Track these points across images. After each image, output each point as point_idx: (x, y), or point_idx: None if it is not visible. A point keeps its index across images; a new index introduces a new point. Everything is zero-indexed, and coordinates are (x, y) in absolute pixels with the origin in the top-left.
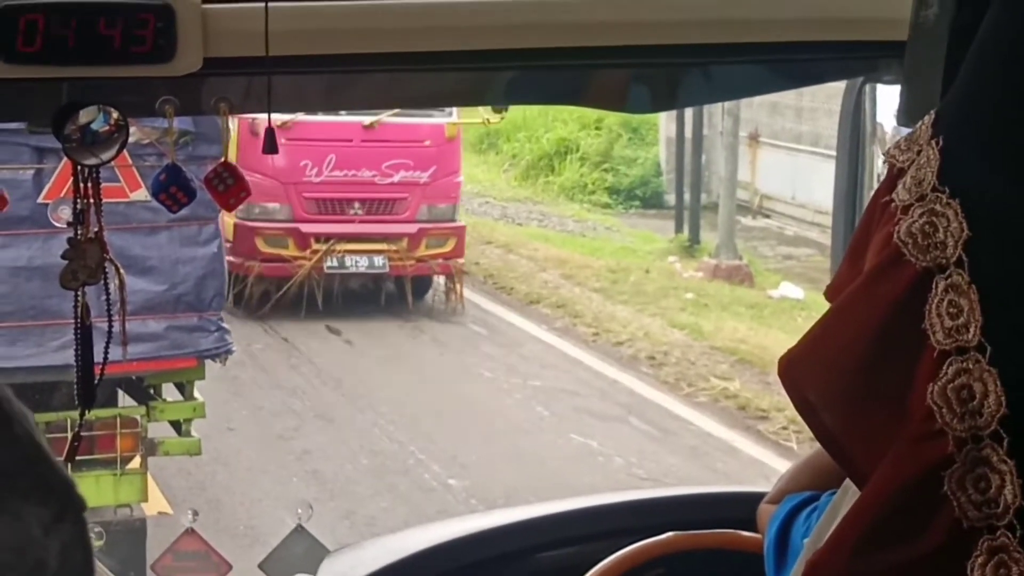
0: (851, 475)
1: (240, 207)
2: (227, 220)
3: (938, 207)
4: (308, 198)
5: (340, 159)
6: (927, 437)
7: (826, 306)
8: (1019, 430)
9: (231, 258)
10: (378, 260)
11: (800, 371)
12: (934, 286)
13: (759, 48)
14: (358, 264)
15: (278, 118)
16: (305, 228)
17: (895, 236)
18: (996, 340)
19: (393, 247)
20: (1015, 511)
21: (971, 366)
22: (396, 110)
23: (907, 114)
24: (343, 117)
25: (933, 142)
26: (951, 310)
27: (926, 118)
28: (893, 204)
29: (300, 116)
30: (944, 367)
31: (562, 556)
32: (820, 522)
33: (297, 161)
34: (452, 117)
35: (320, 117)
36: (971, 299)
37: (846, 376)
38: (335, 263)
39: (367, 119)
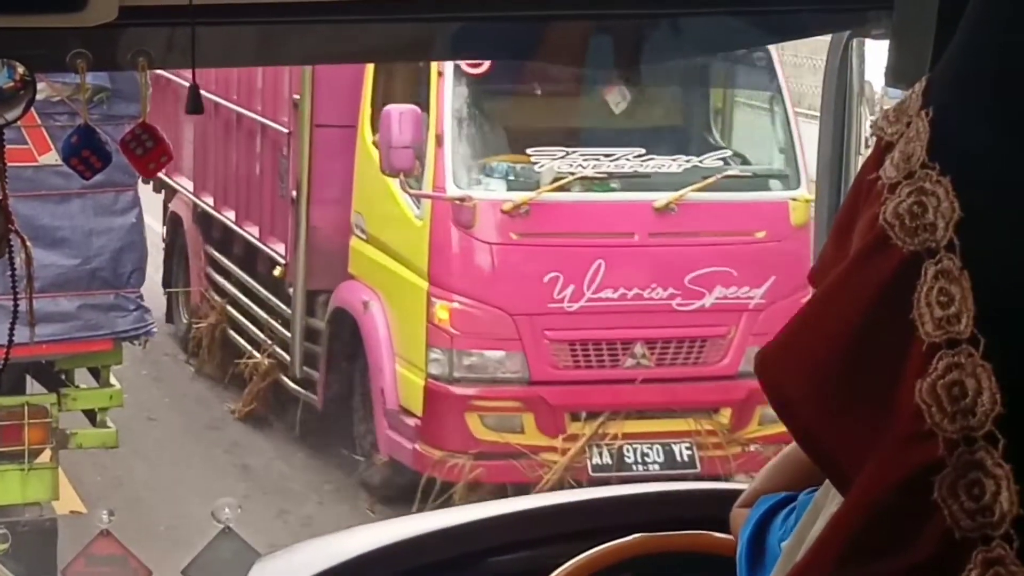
0: (833, 479)
1: (438, 352)
2: (411, 377)
3: (927, 185)
4: (557, 340)
5: (613, 267)
6: (915, 438)
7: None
8: (1016, 431)
9: (421, 447)
10: (682, 450)
11: (778, 366)
12: (923, 272)
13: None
14: (646, 460)
15: (509, 196)
16: (553, 396)
17: (880, 218)
18: (991, 332)
19: (706, 425)
20: (1012, 520)
21: (963, 360)
22: (704, 181)
23: (895, 73)
24: (617, 195)
25: (923, 113)
26: (941, 299)
27: (916, 86)
28: (880, 182)
29: (546, 193)
30: (934, 362)
31: (518, 560)
32: (800, 524)
33: (539, 273)
34: (800, 188)
35: (580, 195)
36: (963, 286)
37: (828, 371)
38: (606, 459)
39: (658, 197)
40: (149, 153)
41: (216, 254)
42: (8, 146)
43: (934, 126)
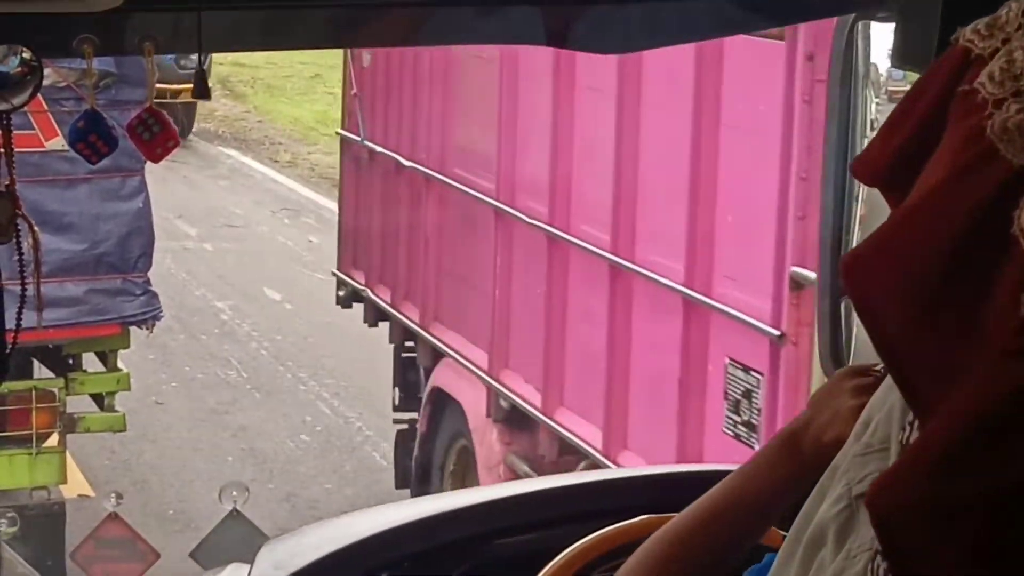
0: (910, 394)
1: None
2: None
3: None
4: None
5: None
6: (1016, 355)
7: None
8: None
9: None
10: None
11: (866, 271)
12: None
13: None
14: None
15: None
16: None
17: (988, 130)
18: None
19: None
20: None
21: None
22: None
23: (902, 55)
24: None
25: None
26: None
27: (1013, 4)
28: (980, 96)
29: None
30: None
31: (523, 543)
32: (806, 504)
33: None
34: None
35: None
36: None
37: (921, 282)
38: None
39: None
40: (156, 138)
41: None
42: (15, 131)
43: None
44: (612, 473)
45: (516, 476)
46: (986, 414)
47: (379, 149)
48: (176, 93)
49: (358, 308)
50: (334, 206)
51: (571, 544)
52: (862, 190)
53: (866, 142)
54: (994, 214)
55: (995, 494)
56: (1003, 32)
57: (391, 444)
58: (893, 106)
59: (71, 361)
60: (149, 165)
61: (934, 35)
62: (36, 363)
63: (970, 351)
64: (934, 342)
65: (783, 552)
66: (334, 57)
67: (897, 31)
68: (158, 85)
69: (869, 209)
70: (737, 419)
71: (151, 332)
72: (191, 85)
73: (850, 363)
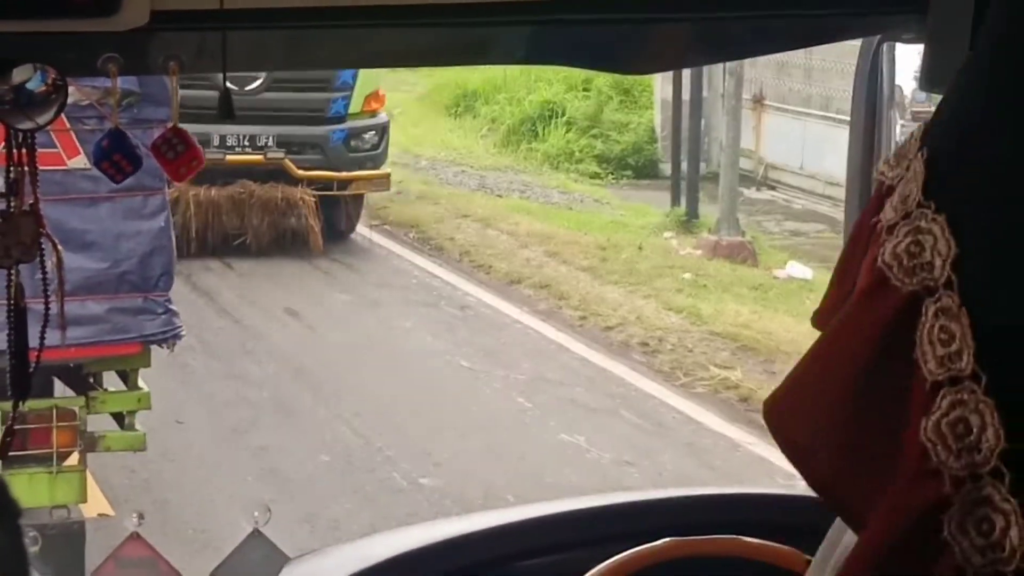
0: (849, 522)
1: None
2: None
3: (923, 224)
4: None
5: None
6: (922, 477)
7: None
8: (1021, 465)
9: None
10: None
11: (786, 412)
12: (924, 311)
13: (768, 2)
14: None
15: None
16: None
17: (879, 259)
18: (991, 367)
19: None
20: (1023, 555)
21: (966, 397)
22: None
23: (929, 77)
24: None
25: (920, 154)
26: (942, 336)
27: (915, 130)
28: (879, 225)
29: None
30: (937, 400)
31: (547, 564)
32: (831, 530)
33: None
34: None
35: None
36: (962, 323)
37: (835, 414)
38: None
39: None
40: (180, 157)
41: None
42: (38, 150)
43: (929, 166)
44: (635, 495)
45: None
46: (898, 536)
47: None
48: (345, 182)
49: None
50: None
51: (594, 566)
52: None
53: None
54: (895, 341)
55: None
56: (906, 159)
57: (411, 464)
58: (916, 127)
59: (92, 380)
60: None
61: (962, 57)
62: (57, 382)
63: (891, 475)
64: (859, 472)
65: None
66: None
67: (925, 53)
68: (321, 172)
69: None
70: None
71: (172, 351)
72: (367, 172)
73: None
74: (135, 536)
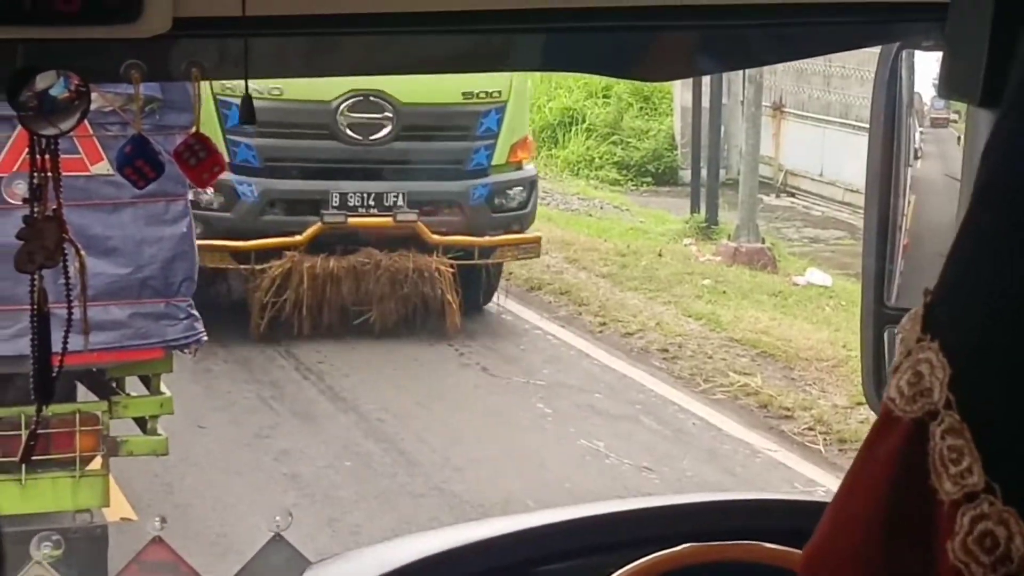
0: None
1: None
2: None
3: (921, 355)
4: None
5: None
6: None
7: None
8: None
9: None
10: None
11: (821, 566)
12: (931, 435)
13: (786, 9)
14: None
15: None
16: None
17: (884, 397)
18: (1003, 477)
19: None
20: None
21: (986, 510)
22: None
23: (949, 85)
24: None
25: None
26: (952, 455)
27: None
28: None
29: None
30: (959, 519)
31: (565, 570)
32: None
33: None
34: None
35: None
36: (967, 438)
37: (869, 559)
38: None
39: None
40: (202, 163)
41: None
42: (61, 156)
43: (927, 306)
44: (656, 500)
45: None
46: None
47: None
48: (488, 248)
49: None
50: None
51: (612, 572)
52: (905, 220)
53: (910, 172)
54: (908, 471)
55: None
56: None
57: (433, 469)
58: (936, 131)
59: (115, 384)
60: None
61: (982, 64)
62: (80, 387)
63: None
64: None
65: None
66: None
67: (944, 60)
68: (460, 237)
69: (912, 239)
70: None
71: (194, 356)
72: (514, 236)
73: None
74: (157, 540)
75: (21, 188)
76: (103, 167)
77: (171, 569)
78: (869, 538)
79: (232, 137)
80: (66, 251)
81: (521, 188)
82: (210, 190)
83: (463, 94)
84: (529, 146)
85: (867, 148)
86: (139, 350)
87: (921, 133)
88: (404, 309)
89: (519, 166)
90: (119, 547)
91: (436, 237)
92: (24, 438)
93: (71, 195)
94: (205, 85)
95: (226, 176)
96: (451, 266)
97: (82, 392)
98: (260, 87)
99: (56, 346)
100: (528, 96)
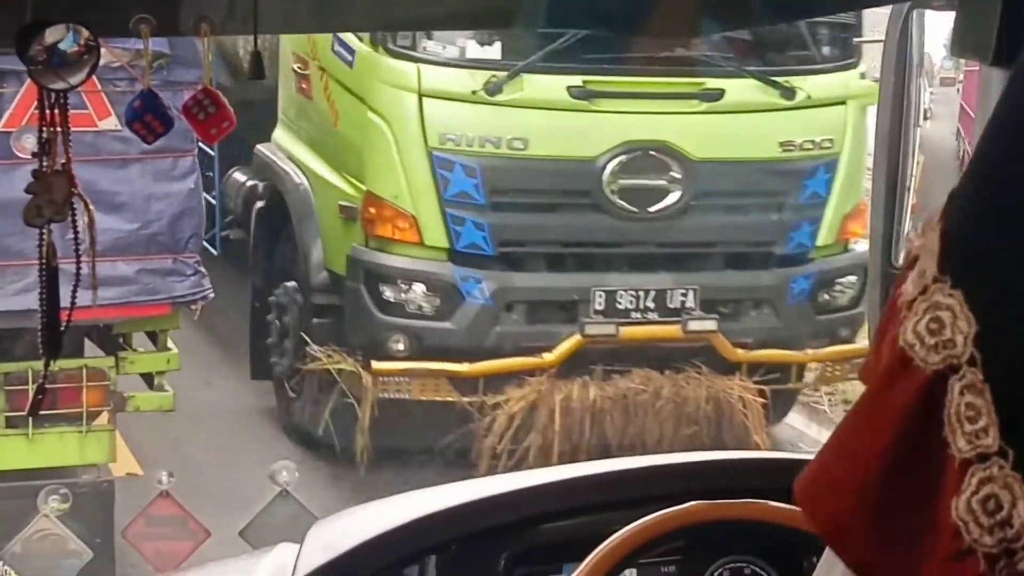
0: None
1: None
2: None
3: (940, 299)
4: None
5: None
6: (957, 556)
7: None
8: None
9: None
10: None
11: (819, 493)
12: (949, 389)
13: None
14: None
15: None
16: None
17: (900, 338)
18: (1018, 443)
19: None
20: None
21: (995, 473)
22: None
23: (961, 44)
24: None
25: (939, 225)
26: (969, 414)
27: (946, 199)
28: (900, 299)
29: None
30: (967, 477)
31: (572, 527)
32: None
33: None
34: None
35: None
36: (987, 399)
37: (867, 496)
38: None
39: None
40: (211, 118)
41: None
42: (70, 111)
43: (944, 239)
44: (660, 459)
45: None
46: None
47: None
48: (803, 364)
49: None
50: None
51: (619, 529)
52: (914, 180)
53: (919, 133)
54: (922, 421)
55: None
56: (931, 227)
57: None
58: (944, 92)
59: (121, 340)
60: None
61: (994, 23)
62: (87, 342)
63: (926, 554)
64: (895, 553)
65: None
66: None
67: (957, 20)
68: (774, 352)
69: (921, 199)
70: None
71: (199, 312)
72: (843, 349)
73: None
74: (165, 494)
75: (30, 142)
76: (111, 122)
77: (178, 523)
78: (869, 476)
79: (454, 211)
80: (74, 206)
81: (854, 278)
82: (419, 288)
83: (781, 144)
84: (862, 213)
85: (876, 108)
86: (146, 306)
87: (931, 93)
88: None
89: (846, 246)
90: (124, 501)
91: (740, 352)
92: (31, 393)
93: (79, 150)
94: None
95: (444, 269)
96: (760, 392)
97: (89, 348)
98: (495, 137)
99: (64, 301)
100: (866, 142)
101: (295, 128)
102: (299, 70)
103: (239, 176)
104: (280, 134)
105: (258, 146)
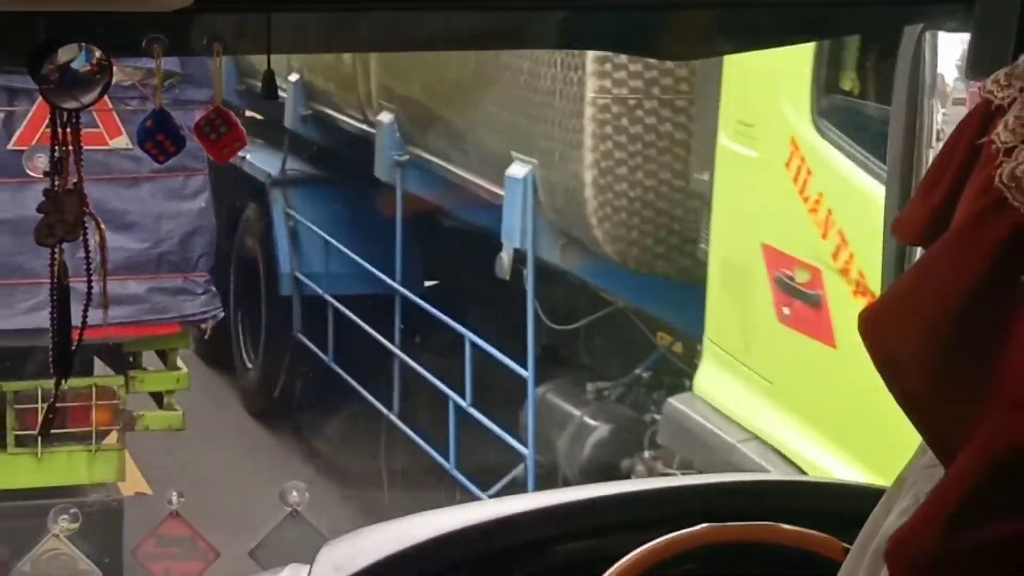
0: (934, 444)
1: None
2: None
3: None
4: None
5: None
6: (1020, 408)
7: None
8: None
9: None
10: None
11: (886, 327)
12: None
13: None
14: None
15: None
16: None
17: (997, 179)
18: None
19: None
20: None
21: None
22: None
23: (976, 65)
24: None
25: None
26: None
27: None
28: (994, 146)
29: None
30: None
31: (584, 548)
32: (870, 518)
33: None
34: None
35: None
36: None
37: (937, 334)
38: None
39: None
40: (223, 138)
41: None
42: (81, 129)
43: None
44: (671, 481)
45: None
46: (998, 464)
47: None
48: None
49: None
50: None
51: (629, 551)
52: None
53: (931, 153)
54: (1005, 263)
55: (1012, 542)
56: (1020, 81)
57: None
58: (958, 112)
59: (131, 359)
60: None
61: (1010, 45)
62: (97, 361)
63: (987, 401)
64: (954, 394)
65: (848, 564)
66: None
67: (972, 42)
68: None
69: None
70: None
71: (208, 332)
72: None
73: None
74: (175, 514)
75: (42, 161)
76: (122, 141)
77: (188, 544)
78: (942, 315)
79: None
80: (86, 225)
81: None
82: None
83: None
84: None
85: (889, 130)
86: (156, 325)
87: (943, 114)
88: None
89: None
90: (133, 521)
91: None
92: (41, 412)
93: (90, 169)
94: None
95: None
96: None
97: (99, 366)
98: None
99: (75, 320)
100: None
101: None
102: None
103: None
104: None
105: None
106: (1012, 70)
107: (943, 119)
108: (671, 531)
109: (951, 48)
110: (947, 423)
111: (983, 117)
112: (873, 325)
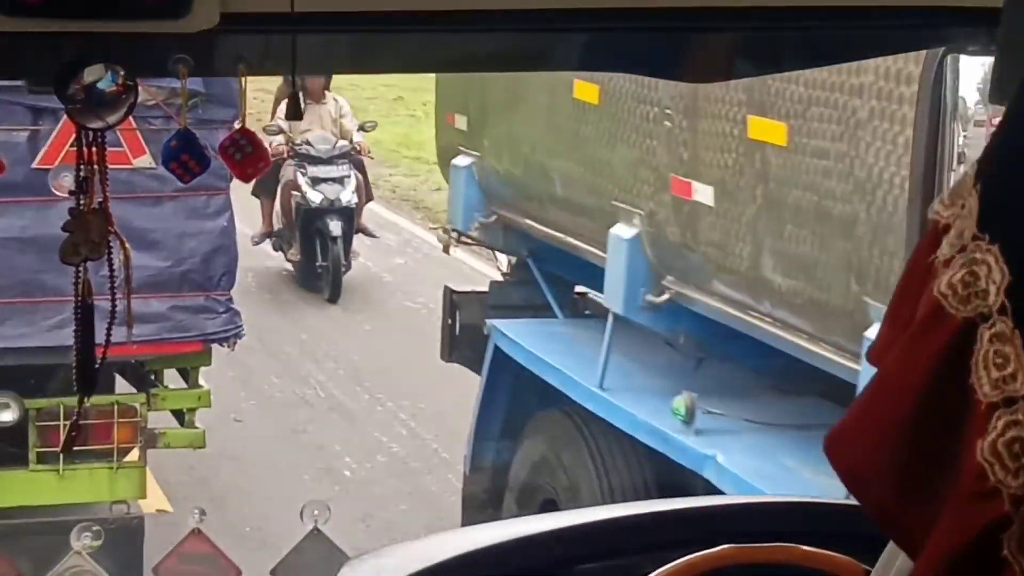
0: (906, 548)
1: None
2: None
3: (978, 255)
4: None
5: None
6: (980, 497)
7: None
8: None
9: None
10: None
11: (846, 444)
12: (979, 337)
13: (831, 13)
14: None
15: None
16: None
17: (935, 290)
18: None
19: None
20: None
21: (1021, 417)
22: None
23: (1001, 89)
24: None
25: (974, 190)
26: (997, 360)
27: (969, 168)
28: (936, 261)
29: None
30: (993, 421)
31: (604, 569)
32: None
33: None
34: None
35: None
36: (1016, 346)
37: (894, 441)
38: None
39: None
40: (247, 158)
41: None
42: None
43: (983, 199)
44: (693, 502)
45: None
46: (957, 555)
47: None
48: None
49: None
50: (415, 228)
51: (652, 572)
52: None
53: (953, 176)
54: (950, 367)
55: None
56: (961, 198)
57: (467, 467)
58: (980, 134)
59: (153, 377)
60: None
61: None
62: (119, 379)
63: (949, 497)
64: (918, 497)
65: None
66: (416, 80)
67: (996, 65)
68: None
69: None
70: None
71: (232, 350)
72: None
73: None
74: (197, 532)
75: (68, 181)
76: (146, 160)
77: (210, 561)
78: (898, 424)
79: None
80: (111, 243)
81: None
82: None
83: None
84: None
85: (911, 152)
86: (178, 343)
87: (965, 137)
88: None
89: None
90: (154, 538)
91: None
92: (63, 429)
93: (113, 188)
94: None
95: None
96: None
97: (120, 384)
98: None
99: (98, 338)
100: None
101: None
102: None
103: None
104: None
105: None
106: (955, 188)
107: (964, 142)
108: (693, 552)
109: (972, 71)
110: (917, 528)
111: (935, 237)
112: (836, 443)
